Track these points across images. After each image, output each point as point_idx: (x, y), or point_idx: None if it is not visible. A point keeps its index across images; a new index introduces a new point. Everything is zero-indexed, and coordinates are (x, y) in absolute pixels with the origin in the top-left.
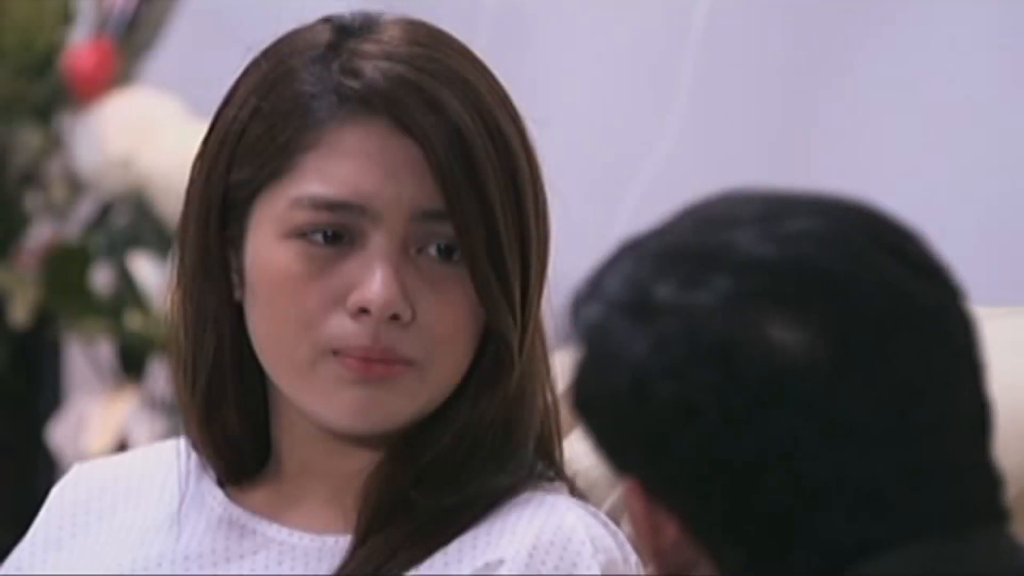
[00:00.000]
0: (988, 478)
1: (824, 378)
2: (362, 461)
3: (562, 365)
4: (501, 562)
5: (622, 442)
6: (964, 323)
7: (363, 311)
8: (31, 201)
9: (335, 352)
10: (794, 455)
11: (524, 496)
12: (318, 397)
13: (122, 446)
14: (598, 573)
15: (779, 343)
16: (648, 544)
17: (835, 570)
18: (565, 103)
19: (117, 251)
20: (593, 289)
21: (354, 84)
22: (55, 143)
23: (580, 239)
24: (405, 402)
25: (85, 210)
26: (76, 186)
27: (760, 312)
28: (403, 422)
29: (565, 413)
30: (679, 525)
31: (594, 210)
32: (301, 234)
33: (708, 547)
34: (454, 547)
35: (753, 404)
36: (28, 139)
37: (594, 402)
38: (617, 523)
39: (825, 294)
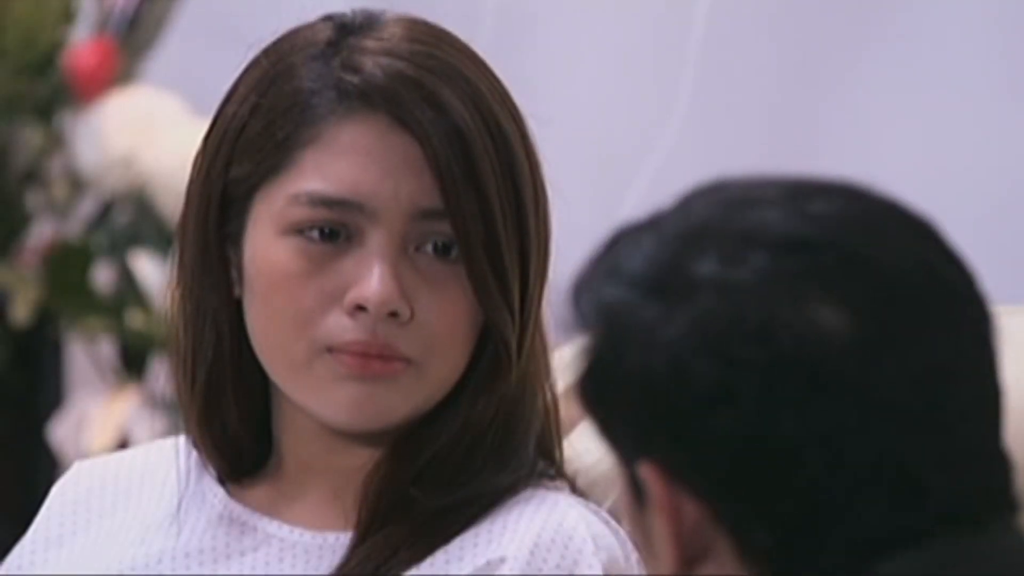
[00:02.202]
0: (1006, 466)
1: (864, 358)
2: (362, 459)
3: (562, 363)
4: (502, 560)
5: (651, 424)
6: (985, 309)
7: (360, 308)
8: (32, 200)
9: (330, 349)
10: (835, 436)
11: (525, 494)
12: (315, 394)
13: (123, 444)
14: (599, 572)
15: (821, 322)
16: (667, 527)
17: (866, 559)
18: (566, 102)
19: (118, 250)
20: (607, 271)
21: (353, 79)
22: (56, 142)
23: (581, 238)
24: (402, 400)
25: (86, 209)
26: (77, 185)
27: (801, 291)
28: (400, 420)
29: (565, 411)
30: (703, 507)
31: (595, 209)
32: (299, 231)
33: (735, 530)
34: (455, 545)
35: (795, 384)
36: (29, 138)
37: (619, 384)
38: (618, 521)
39: (863, 274)
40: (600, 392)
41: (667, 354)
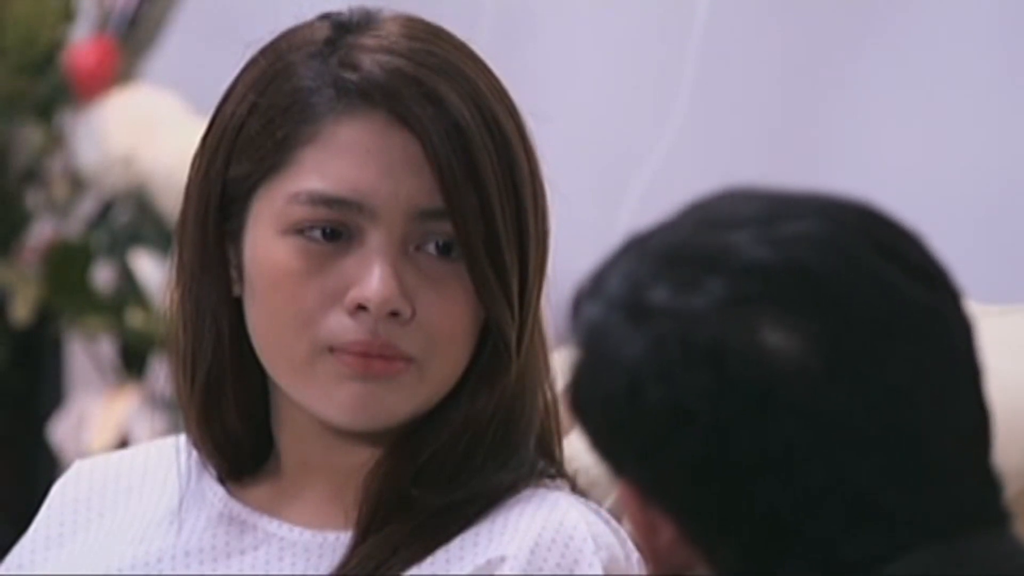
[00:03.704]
0: (986, 483)
1: (816, 382)
2: (362, 457)
3: (562, 362)
4: (503, 559)
5: (617, 444)
6: (962, 327)
7: (361, 308)
8: (32, 199)
9: (332, 349)
10: (786, 459)
11: (526, 493)
12: (317, 393)
13: (123, 443)
14: (600, 571)
15: (771, 347)
16: (645, 544)
17: None
18: (566, 100)
19: (118, 248)
20: (595, 286)
21: (352, 76)
22: (56, 141)
23: (581, 236)
24: (404, 399)
25: (86, 208)
26: (77, 183)
27: (753, 316)
28: (401, 419)
29: (565, 411)
30: (675, 526)
31: (595, 207)
32: (299, 230)
33: (704, 548)
34: (456, 544)
35: (745, 408)
36: (29, 137)
37: (590, 403)
38: (619, 520)
39: (819, 298)
40: (579, 408)
41: (627, 377)
